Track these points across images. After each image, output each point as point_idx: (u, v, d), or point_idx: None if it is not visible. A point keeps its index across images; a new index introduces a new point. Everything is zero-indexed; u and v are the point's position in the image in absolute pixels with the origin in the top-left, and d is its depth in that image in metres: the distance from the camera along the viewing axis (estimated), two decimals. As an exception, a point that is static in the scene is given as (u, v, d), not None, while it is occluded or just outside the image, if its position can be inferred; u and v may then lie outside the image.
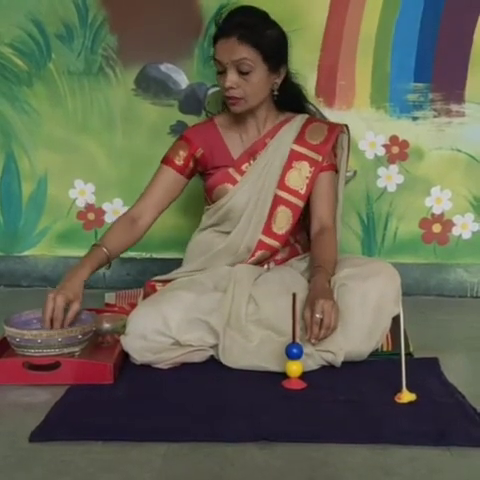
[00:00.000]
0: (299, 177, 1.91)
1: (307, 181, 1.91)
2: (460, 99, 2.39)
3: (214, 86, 2.35)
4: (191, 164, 1.93)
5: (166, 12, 2.37)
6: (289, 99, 1.96)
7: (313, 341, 1.60)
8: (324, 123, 1.99)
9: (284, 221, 1.91)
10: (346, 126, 2.00)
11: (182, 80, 2.41)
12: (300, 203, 1.92)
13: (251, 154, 1.93)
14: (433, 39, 2.35)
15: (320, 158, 1.91)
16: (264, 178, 1.91)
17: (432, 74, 2.38)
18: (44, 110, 2.45)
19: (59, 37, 2.41)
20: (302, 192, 1.91)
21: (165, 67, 2.41)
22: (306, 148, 1.92)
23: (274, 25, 1.86)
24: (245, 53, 1.78)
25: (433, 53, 2.36)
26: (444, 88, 2.39)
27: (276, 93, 1.90)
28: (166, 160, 1.94)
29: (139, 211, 1.90)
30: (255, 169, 1.91)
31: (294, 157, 1.92)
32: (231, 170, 1.92)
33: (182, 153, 1.93)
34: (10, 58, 2.42)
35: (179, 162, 1.92)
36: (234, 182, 1.92)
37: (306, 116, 1.99)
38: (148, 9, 2.37)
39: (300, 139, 1.92)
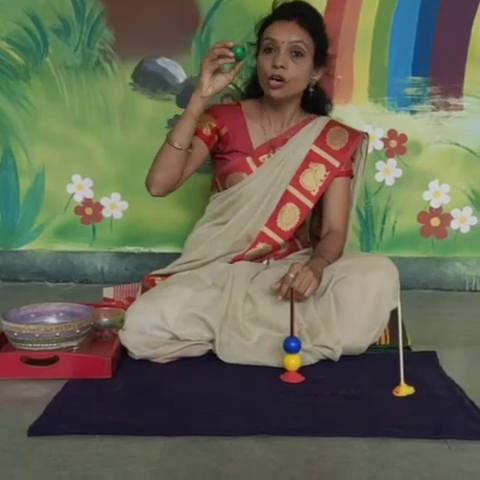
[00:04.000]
0: (313, 178, 1.91)
1: (321, 184, 1.91)
2: (458, 93, 2.39)
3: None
4: (216, 137, 1.91)
5: (163, 6, 2.36)
6: (315, 101, 1.97)
7: (280, 298, 1.66)
8: (345, 129, 1.98)
9: (291, 218, 1.92)
10: (366, 134, 2.01)
11: (179, 74, 2.40)
12: (310, 204, 1.92)
13: (271, 147, 1.93)
14: (431, 32, 2.35)
15: (338, 164, 1.92)
16: (278, 172, 1.91)
17: (430, 68, 2.38)
18: (41, 105, 2.44)
19: (56, 31, 2.40)
20: (314, 193, 1.92)
21: (162, 61, 2.40)
22: (325, 152, 1.93)
23: (326, 28, 1.91)
24: (303, 37, 1.83)
25: (431, 46, 2.36)
26: (442, 82, 2.38)
27: (312, 90, 1.92)
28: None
29: None
30: (272, 162, 1.91)
31: (312, 158, 1.92)
32: (249, 159, 1.91)
33: (211, 124, 1.89)
34: (7, 52, 2.41)
35: (207, 133, 1.88)
36: (249, 172, 1.91)
37: (328, 119, 1.99)
38: (145, 3, 2.36)
39: (321, 141, 1.93)
